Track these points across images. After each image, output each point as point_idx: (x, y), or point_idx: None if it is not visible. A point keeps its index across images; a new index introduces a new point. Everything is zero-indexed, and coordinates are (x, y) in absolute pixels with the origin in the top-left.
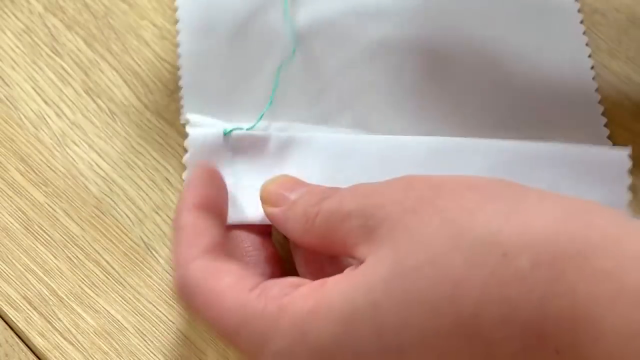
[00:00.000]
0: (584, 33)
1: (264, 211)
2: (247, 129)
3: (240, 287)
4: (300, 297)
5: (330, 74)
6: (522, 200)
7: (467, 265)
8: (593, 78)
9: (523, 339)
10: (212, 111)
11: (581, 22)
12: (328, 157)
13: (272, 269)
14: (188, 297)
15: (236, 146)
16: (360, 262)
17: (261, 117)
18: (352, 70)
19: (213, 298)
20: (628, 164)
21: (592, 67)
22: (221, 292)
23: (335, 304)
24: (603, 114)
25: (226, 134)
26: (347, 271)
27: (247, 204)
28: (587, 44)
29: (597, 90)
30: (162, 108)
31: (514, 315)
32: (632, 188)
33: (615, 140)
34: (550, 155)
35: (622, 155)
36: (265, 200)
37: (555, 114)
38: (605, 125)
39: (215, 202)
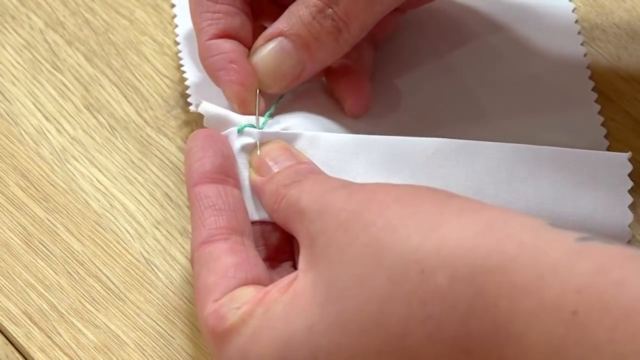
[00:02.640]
0: (583, 47)
1: (249, 176)
2: (261, 127)
3: (211, 293)
4: (241, 322)
5: None
6: (443, 213)
7: (390, 284)
8: (592, 89)
9: (451, 357)
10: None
11: (579, 33)
12: (334, 156)
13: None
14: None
15: (247, 143)
16: (300, 269)
17: (269, 114)
18: None
19: (199, 294)
20: (629, 167)
21: (591, 78)
22: (204, 291)
23: (273, 331)
24: (602, 124)
25: (239, 131)
26: (284, 286)
27: (255, 201)
28: (585, 55)
29: (596, 100)
30: (162, 123)
31: (439, 333)
32: (632, 204)
33: None
34: (551, 158)
35: (622, 159)
36: (252, 165)
37: (555, 129)
38: (605, 137)
39: (221, 169)
